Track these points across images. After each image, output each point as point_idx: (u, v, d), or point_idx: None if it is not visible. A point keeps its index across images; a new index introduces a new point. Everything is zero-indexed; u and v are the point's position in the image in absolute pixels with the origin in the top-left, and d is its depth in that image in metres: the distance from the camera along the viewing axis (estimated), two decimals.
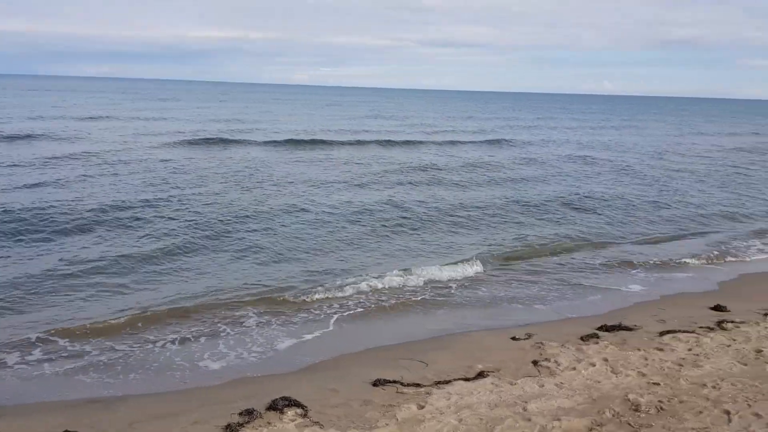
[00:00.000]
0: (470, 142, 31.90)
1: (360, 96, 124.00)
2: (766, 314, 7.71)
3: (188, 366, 6.43)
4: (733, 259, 11.36)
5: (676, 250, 11.82)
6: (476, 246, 11.56)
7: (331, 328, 7.61)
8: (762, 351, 6.32)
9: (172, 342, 6.98)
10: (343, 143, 28.06)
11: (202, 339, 7.11)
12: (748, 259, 11.44)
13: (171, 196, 14.22)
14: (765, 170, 24.86)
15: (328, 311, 8.08)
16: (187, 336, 7.15)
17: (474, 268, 9.97)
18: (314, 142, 27.68)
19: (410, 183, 18.11)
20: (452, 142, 30.98)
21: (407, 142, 29.81)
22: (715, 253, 11.54)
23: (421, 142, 30.26)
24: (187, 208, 13.07)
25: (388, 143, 28.87)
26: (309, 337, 7.28)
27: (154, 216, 12.32)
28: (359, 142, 28.73)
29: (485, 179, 19.68)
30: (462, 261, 10.26)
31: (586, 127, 49.29)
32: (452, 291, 9.08)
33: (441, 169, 20.91)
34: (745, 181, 21.63)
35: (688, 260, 10.97)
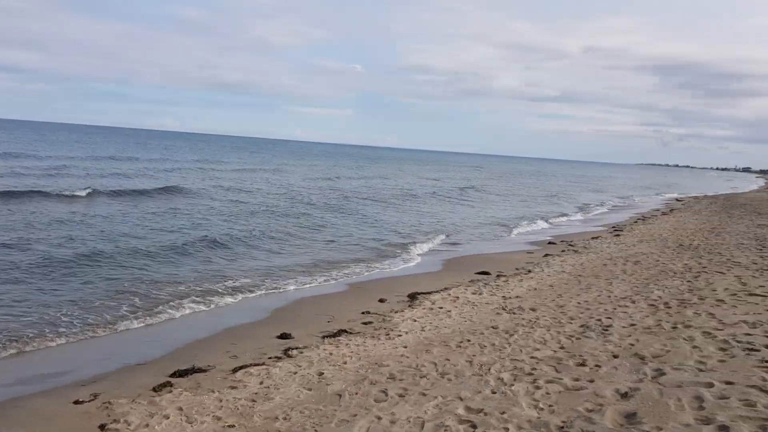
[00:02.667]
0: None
1: None
2: (324, 337, 8.31)
3: None
4: (273, 290, 11.85)
5: (240, 281, 12.16)
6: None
7: None
8: (323, 373, 6.69)
9: None
10: None
11: None
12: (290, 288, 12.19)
13: None
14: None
15: None
16: None
17: None
18: None
19: None
20: None
21: None
22: (264, 282, 12.19)
23: None
24: None
25: None
26: None
27: None
28: None
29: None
30: None
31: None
32: None
33: None
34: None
35: (245, 294, 11.23)
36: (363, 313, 9.72)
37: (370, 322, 9.06)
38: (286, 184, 39.26)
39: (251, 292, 11.33)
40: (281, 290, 11.66)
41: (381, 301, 10.62)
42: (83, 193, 23.88)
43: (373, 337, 8.17)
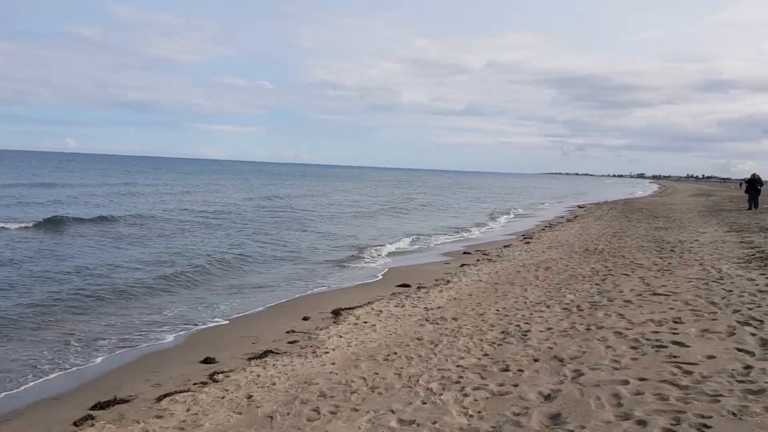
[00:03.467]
0: None
1: None
2: (250, 359, 8.18)
3: None
4: (199, 313, 11.87)
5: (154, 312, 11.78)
6: None
7: None
8: (252, 396, 6.59)
9: None
10: None
11: None
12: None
13: None
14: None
15: None
16: None
17: None
18: None
19: None
20: None
21: None
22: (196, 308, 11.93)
23: None
24: None
25: None
26: None
27: None
28: None
29: None
30: None
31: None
32: None
33: None
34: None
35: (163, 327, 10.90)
36: (288, 332, 9.64)
37: (296, 341, 9.00)
38: (223, 203, 38.39)
39: (177, 319, 10.98)
40: (205, 314, 11.36)
41: (305, 318, 10.56)
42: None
43: (300, 355, 8.12)
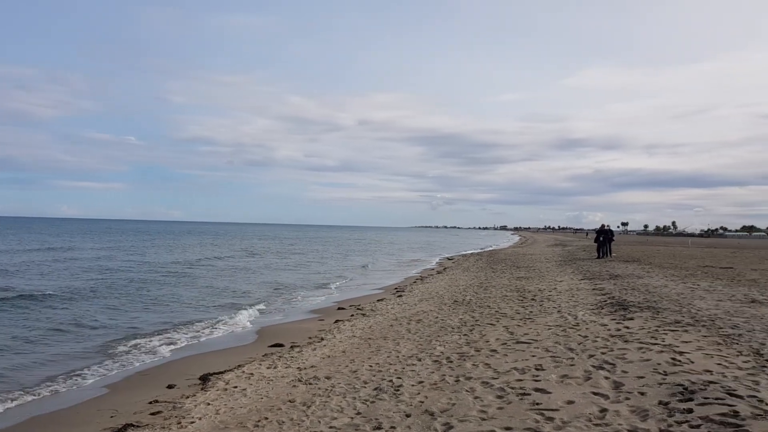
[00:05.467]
0: None
1: None
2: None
3: None
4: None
5: None
6: None
7: None
8: None
9: None
10: None
11: None
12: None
13: None
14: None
15: None
16: None
17: None
18: None
19: None
20: None
21: None
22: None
23: None
24: None
25: None
26: None
27: None
28: None
29: None
30: None
31: None
32: None
33: None
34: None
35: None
36: (150, 402, 9.02)
37: (160, 412, 8.44)
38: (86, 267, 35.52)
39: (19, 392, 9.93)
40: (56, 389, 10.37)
41: (170, 387, 9.95)
42: None
43: (164, 427, 7.60)
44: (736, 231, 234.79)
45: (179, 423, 7.70)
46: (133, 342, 14.11)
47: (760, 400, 6.08)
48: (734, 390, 6.49)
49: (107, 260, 40.96)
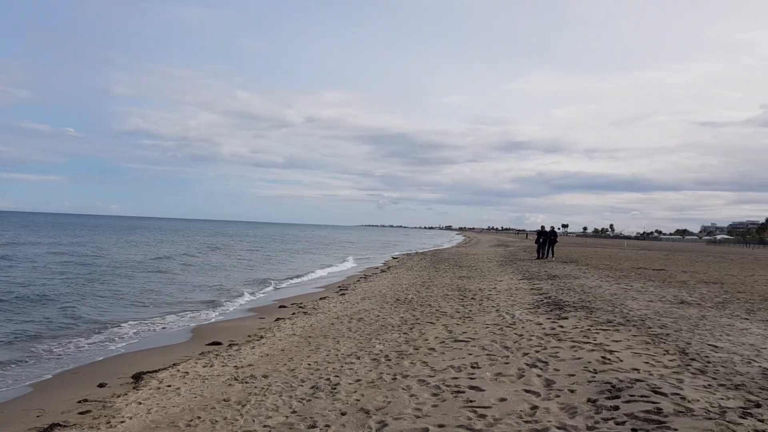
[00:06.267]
0: None
1: None
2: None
3: None
4: None
5: None
6: None
7: None
8: None
9: None
10: None
11: None
12: None
13: None
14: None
15: None
16: None
17: None
18: None
19: None
20: None
21: None
22: None
23: None
24: None
25: None
26: None
27: None
28: None
29: None
30: None
31: None
32: None
33: None
34: None
35: None
36: (80, 401, 8.72)
37: (89, 411, 8.17)
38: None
39: None
40: None
41: (101, 386, 9.65)
42: None
43: (92, 427, 7.37)
44: (671, 234, 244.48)
45: (108, 423, 7.48)
46: (64, 340, 13.62)
47: (683, 398, 6.33)
48: (659, 388, 6.74)
49: (46, 257, 39.44)
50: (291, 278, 31.00)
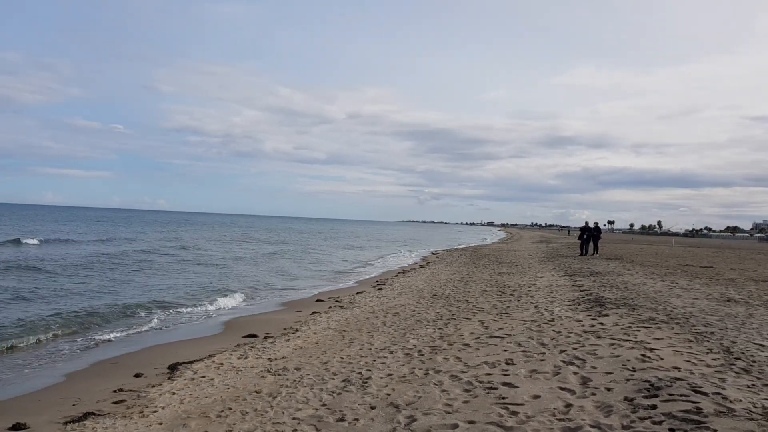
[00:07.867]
0: None
1: None
2: (66, 423, 7.38)
3: None
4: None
5: None
6: None
7: None
8: None
9: None
10: None
11: None
12: None
13: None
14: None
15: None
16: None
17: None
18: None
19: None
20: None
21: None
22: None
23: None
24: None
25: None
26: None
27: None
28: None
29: None
30: None
31: None
32: None
33: None
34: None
35: None
36: (115, 391, 8.86)
37: (123, 401, 8.28)
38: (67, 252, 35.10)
39: None
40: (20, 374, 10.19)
41: (137, 375, 9.80)
42: None
43: (125, 416, 7.46)
44: (721, 231, 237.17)
45: (141, 412, 7.56)
46: (107, 328, 13.92)
47: (725, 398, 6.04)
48: (700, 387, 6.45)
49: (101, 244, 40.55)
50: (331, 273, 31.08)
